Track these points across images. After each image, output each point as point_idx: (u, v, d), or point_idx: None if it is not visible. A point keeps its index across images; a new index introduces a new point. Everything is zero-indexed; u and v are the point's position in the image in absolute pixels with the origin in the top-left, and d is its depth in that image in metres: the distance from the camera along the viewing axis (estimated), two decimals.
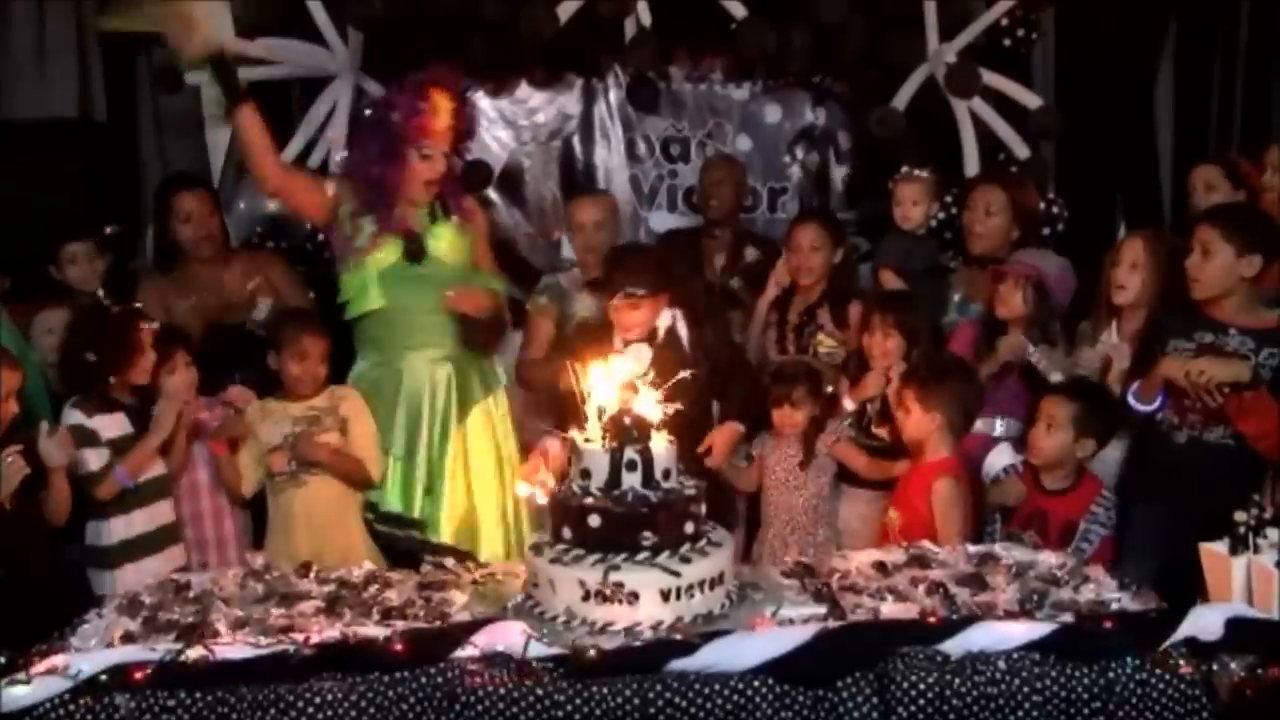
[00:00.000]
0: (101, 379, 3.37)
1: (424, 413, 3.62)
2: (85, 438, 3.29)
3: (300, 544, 3.53)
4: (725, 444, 3.56)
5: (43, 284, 3.94)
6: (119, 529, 3.35)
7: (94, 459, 3.30)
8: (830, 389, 3.89)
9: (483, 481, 3.71)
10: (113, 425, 3.37)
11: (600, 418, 2.54)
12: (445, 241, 3.62)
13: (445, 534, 3.64)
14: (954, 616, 2.39)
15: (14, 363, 3.17)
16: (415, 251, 3.56)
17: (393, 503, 3.64)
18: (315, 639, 2.29)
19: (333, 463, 3.57)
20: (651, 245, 3.63)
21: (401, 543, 3.62)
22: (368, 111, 3.78)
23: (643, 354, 3.41)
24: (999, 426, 3.69)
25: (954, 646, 2.25)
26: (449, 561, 2.84)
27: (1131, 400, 3.27)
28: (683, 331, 3.58)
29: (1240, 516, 2.40)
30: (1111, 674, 2.20)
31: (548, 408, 3.81)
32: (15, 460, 2.96)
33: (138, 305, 3.65)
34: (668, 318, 3.57)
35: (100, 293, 3.98)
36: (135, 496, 3.37)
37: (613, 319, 3.54)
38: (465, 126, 3.64)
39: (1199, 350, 3.20)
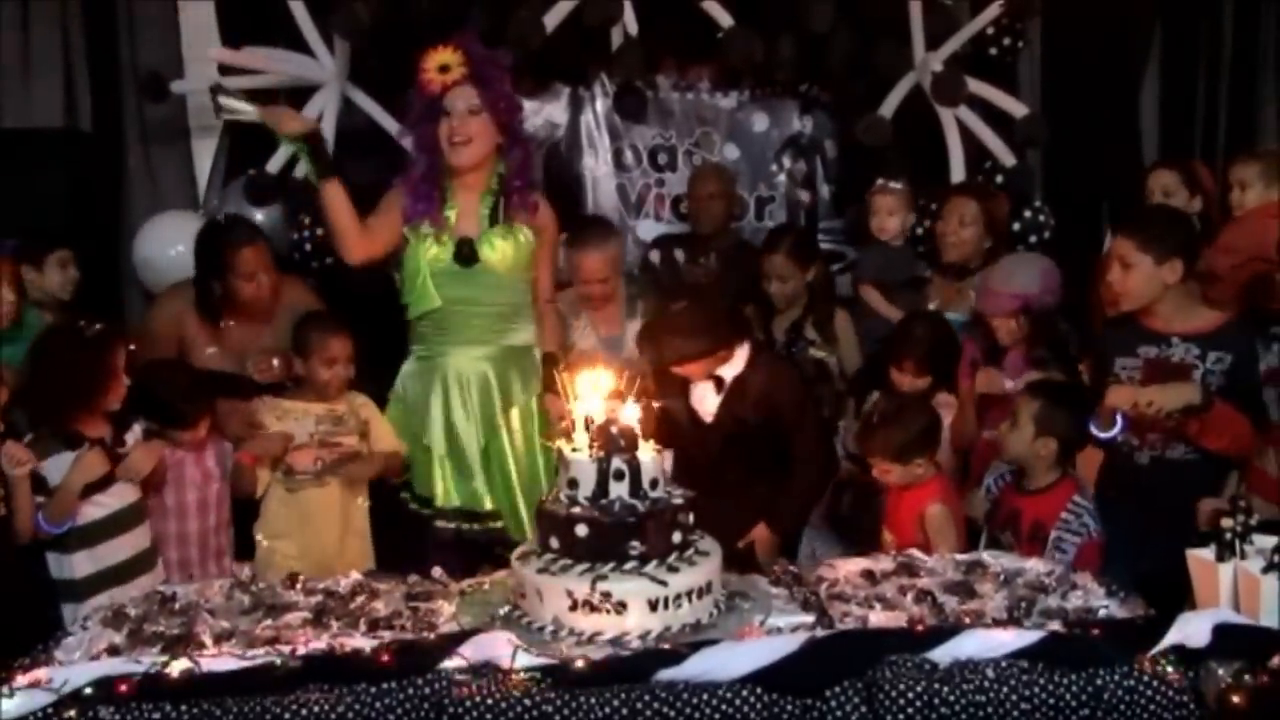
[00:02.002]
0: (71, 412, 3.19)
1: (465, 408, 3.62)
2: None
3: (311, 542, 3.57)
4: (764, 548, 3.56)
5: None
6: (83, 564, 3.18)
7: None
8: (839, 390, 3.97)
9: (523, 477, 3.71)
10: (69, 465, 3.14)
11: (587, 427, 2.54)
12: (498, 250, 3.59)
13: None
14: (942, 625, 2.39)
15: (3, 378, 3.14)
16: (467, 256, 3.57)
17: (452, 498, 3.64)
18: (302, 650, 2.27)
19: (382, 467, 3.68)
20: (687, 307, 3.51)
21: (480, 536, 3.62)
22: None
23: (709, 395, 3.40)
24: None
25: (942, 654, 2.24)
26: (436, 571, 2.82)
27: (1093, 429, 3.23)
28: (754, 379, 3.48)
29: (1227, 523, 2.40)
30: (1100, 681, 2.20)
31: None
32: None
33: (108, 327, 3.37)
34: (739, 363, 3.48)
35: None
36: (102, 530, 3.20)
37: None
38: (496, 88, 3.54)
39: (1145, 367, 3.18)
